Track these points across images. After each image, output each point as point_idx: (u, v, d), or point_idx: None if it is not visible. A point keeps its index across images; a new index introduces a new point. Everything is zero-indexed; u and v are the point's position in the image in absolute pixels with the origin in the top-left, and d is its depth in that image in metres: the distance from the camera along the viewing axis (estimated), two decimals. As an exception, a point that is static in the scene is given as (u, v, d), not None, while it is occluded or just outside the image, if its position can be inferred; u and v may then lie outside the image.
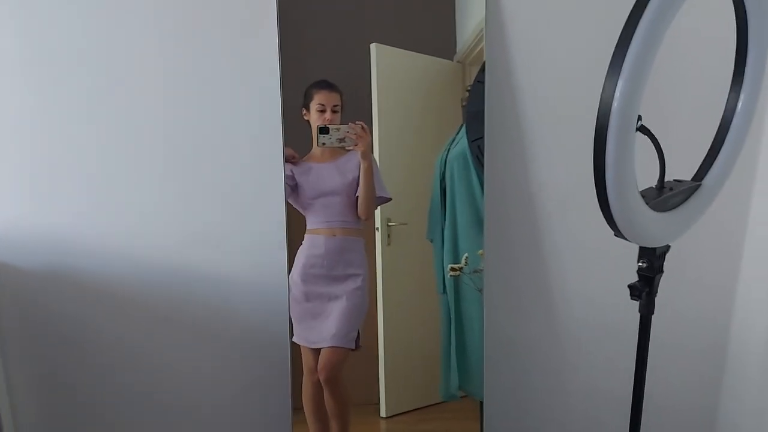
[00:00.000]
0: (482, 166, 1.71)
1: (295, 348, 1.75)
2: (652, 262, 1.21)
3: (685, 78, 1.68)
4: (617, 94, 0.97)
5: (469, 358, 1.83)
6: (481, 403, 1.81)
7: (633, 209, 1.06)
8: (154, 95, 1.70)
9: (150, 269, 1.78)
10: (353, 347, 1.75)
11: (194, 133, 1.72)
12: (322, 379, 1.74)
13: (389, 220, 1.78)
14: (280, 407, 1.83)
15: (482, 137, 1.71)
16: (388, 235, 1.78)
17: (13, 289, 1.79)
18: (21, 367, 1.84)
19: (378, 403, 1.87)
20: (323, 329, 1.73)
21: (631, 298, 1.26)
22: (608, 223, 1.07)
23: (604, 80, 0.97)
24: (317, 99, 1.68)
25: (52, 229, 1.75)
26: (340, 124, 1.67)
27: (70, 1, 1.65)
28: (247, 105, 1.70)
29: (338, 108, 1.69)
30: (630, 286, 1.24)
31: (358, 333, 1.76)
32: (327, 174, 1.72)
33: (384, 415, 1.86)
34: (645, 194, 1.14)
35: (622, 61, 0.96)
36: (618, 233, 1.09)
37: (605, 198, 1.02)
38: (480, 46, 1.68)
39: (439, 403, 1.89)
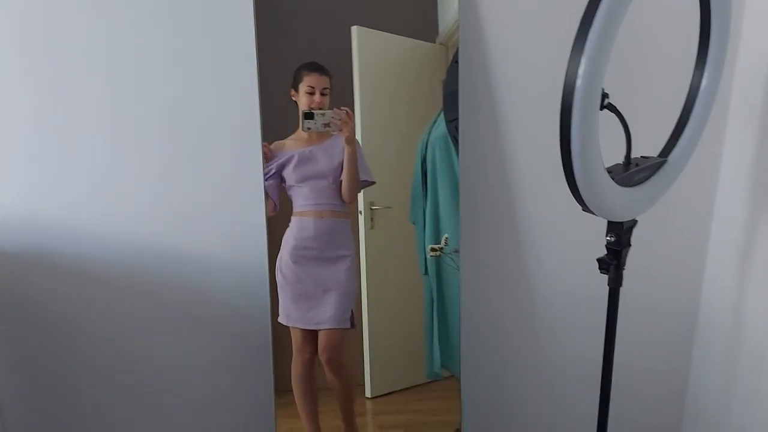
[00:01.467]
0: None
1: (278, 330, 1.76)
2: (619, 236, 1.24)
3: (651, 56, 1.71)
4: (580, 71, 1.00)
5: (450, 337, 1.85)
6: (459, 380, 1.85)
7: (599, 184, 1.09)
8: (131, 79, 1.69)
9: (129, 251, 1.78)
10: (348, 326, 1.77)
11: (171, 114, 1.72)
12: (324, 360, 1.76)
13: (372, 204, 1.79)
14: (262, 389, 1.86)
15: (458, 118, 1.73)
16: (372, 219, 1.79)
17: None
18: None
19: (363, 384, 1.88)
20: (320, 312, 1.75)
21: (600, 272, 1.29)
22: (575, 198, 1.10)
23: None
24: (307, 81, 1.69)
25: (32, 211, 1.74)
26: (328, 107, 1.68)
27: None
28: (224, 87, 1.70)
29: (327, 91, 1.69)
30: (599, 260, 1.27)
31: (352, 312, 1.78)
32: (315, 157, 1.73)
33: (369, 396, 1.88)
34: (611, 170, 1.17)
35: (585, 40, 0.99)
36: (585, 208, 1.12)
37: (571, 173, 1.05)
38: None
39: (424, 383, 1.90)
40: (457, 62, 1.72)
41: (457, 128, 1.74)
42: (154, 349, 1.87)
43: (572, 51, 1.01)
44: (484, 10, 1.70)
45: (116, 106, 1.71)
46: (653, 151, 1.33)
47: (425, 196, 1.81)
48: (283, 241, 1.74)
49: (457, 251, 1.80)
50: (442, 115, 1.76)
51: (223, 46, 1.69)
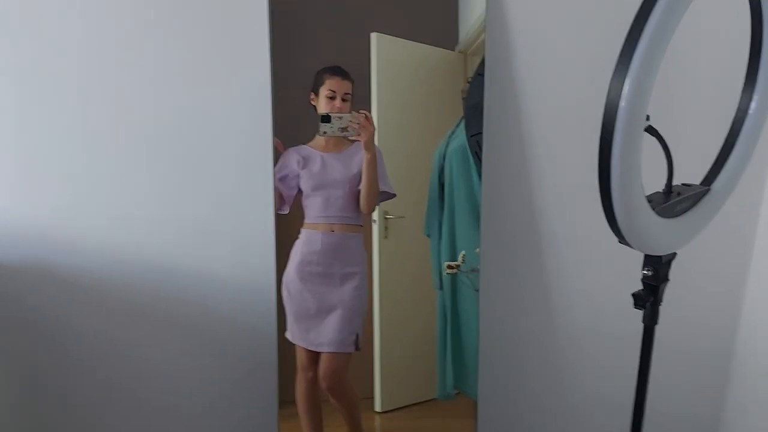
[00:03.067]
0: (480, 161, 1.68)
1: (284, 346, 1.72)
2: (657, 270, 1.16)
3: (695, 76, 1.64)
4: (625, 92, 0.91)
5: (465, 358, 1.80)
6: (476, 403, 1.79)
7: (639, 216, 1.01)
8: (140, 90, 1.66)
9: (134, 266, 1.75)
10: (352, 350, 1.71)
11: (181, 129, 1.68)
12: (325, 387, 1.71)
13: (386, 213, 1.74)
14: (266, 406, 1.80)
15: (481, 132, 1.66)
16: (386, 228, 1.75)
17: None
18: None
19: (372, 398, 1.84)
20: (321, 333, 1.69)
21: (635, 307, 1.20)
22: (612, 230, 1.02)
23: (609, 76, 0.92)
24: (328, 85, 1.63)
25: (33, 223, 1.71)
26: (349, 113, 1.62)
27: None
28: (235, 103, 1.66)
29: (348, 96, 1.64)
30: (634, 295, 1.19)
31: (357, 335, 1.72)
32: (330, 164, 1.67)
33: (379, 410, 1.83)
34: (651, 199, 1.09)
35: (630, 59, 0.90)
36: (622, 240, 1.04)
37: (610, 204, 0.97)
38: (482, 36, 1.64)
39: (434, 398, 1.86)
40: (480, 75, 1.65)
41: (479, 144, 1.67)
42: (157, 364, 1.83)
43: (616, 70, 0.92)
44: (512, 20, 1.64)
45: (122, 119, 1.67)
46: (692, 178, 1.24)
47: (441, 208, 1.75)
48: (291, 254, 1.68)
49: (474, 270, 1.73)
50: (460, 126, 1.71)
51: (236, 61, 1.64)
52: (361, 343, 1.72)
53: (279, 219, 1.68)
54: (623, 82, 0.91)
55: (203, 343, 1.82)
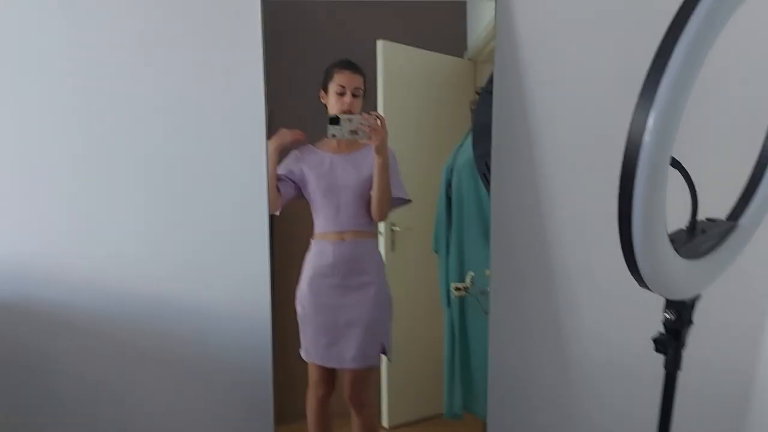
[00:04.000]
0: (488, 182, 1.64)
1: (279, 382, 1.67)
2: (680, 313, 1.08)
3: (719, 104, 1.57)
4: (649, 126, 0.83)
5: (473, 378, 1.76)
6: (485, 423, 1.76)
7: (662, 261, 0.93)
8: (133, 126, 1.63)
9: (124, 302, 1.72)
10: (377, 364, 1.66)
11: (174, 161, 1.65)
12: (346, 396, 1.67)
13: (393, 225, 1.69)
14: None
15: (489, 152, 1.62)
16: (392, 241, 1.69)
17: None
18: None
19: (380, 412, 1.79)
20: (343, 349, 1.64)
21: (656, 352, 1.12)
22: (633, 275, 0.94)
23: (625, 97, 0.88)
24: (337, 80, 1.56)
25: (20, 258, 1.69)
26: (360, 111, 1.57)
27: (51, 17, 1.58)
28: (229, 136, 1.63)
29: (359, 92, 1.57)
30: (654, 340, 1.11)
31: (383, 346, 1.67)
32: (340, 167, 1.61)
33: (386, 425, 1.78)
34: (674, 238, 1.01)
35: (656, 91, 0.82)
36: (643, 285, 0.96)
37: (631, 251, 0.89)
38: (492, 44, 1.60)
39: (441, 414, 1.81)
40: (489, 92, 1.59)
41: (487, 164, 1.62)
42: (149, 402, 1.79)
43: (640, 99, 0.84)
44: (522, 36, 1.59)
45: (114, 153, 1.64)
46: (715, 212, 1.16)
47: (449, 224, 1.69)
48: (303, 268, 1.63)
49: (483, 293, 1.68)
50: (468, 139, 1.66)
51: (229, 91, 1.61)
52: (389, 352, 1.67)
53: (279, 240, 1.63)
54: (647, 115, 0.83)
55: (196, 380, 1.78)
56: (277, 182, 1.61)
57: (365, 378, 1.68)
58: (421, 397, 1.82)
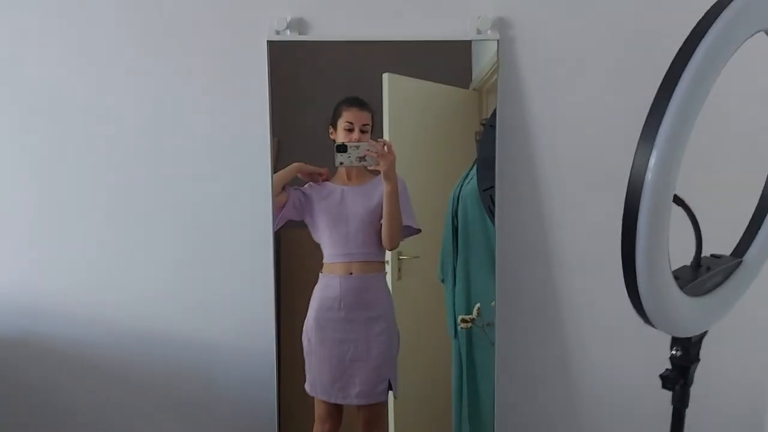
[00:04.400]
0: (494, 216, 1.63)
1: (285, 413, 1.66)
2: (687, 349, 1.07)
3: (722, 140, 1.58)
4: (651, 165, 0.83)
5: (481, 410, 1.74)
6: None
7: (666, 298, 0.93)
8: (135, 159, 1.65)
9: (128, 337, 1.72)
10: (385, 399, 1.64)
11: (179, 195, 1.66)
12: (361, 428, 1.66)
13: (400, 254, 1.68)
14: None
15: (494, 187, 1.62)
16: (399, 269, 1.69)
17: None
18: None
19: None
20: (348, 384, 1.63)
21: (663, 388, 1.11)
22: (637, 313, 0.93)
23: (630, 134, 0.86)
24: (346, 116, 1.58)
25: (24, 295, 1.69)
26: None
27: (57, 56, 1.61)
28: (235, 172, 1.64)
29: (367, 128, 1.59)
30: (662, 377, 1.10)
31: (389, 382, 1.65)
32: (350, 197, 1.62)
33: None
34: (678, 275, 1.00)
35: (657, 130, 0.83)
36: (648, 322, 0.95)
37: (635, 287, 0.88)
38: (497, 75, 1.61)
39: None
40: (492, 126, 1.59)
41: (492, 198, 1.62)
42: None
43: (642, 137, 0.84)
44: (524, 74, 1.60)
45: (118, 187, 1.66)
46: (720, 248, 1.15)
47: (455, 253, 1.69)
48: (310, 301, 1.63)
49: (489, 324, 1.67)
50: (474, 168, 1.66)
51: (236, 127, 1.63)
52: (396, 388, 1.66)
53: (285, 274, 1.64)
54: (649, 155, 0.83)
55: (201, 415, 1.77)
56: (284, 198, 1.62)
57: (378, 414, 1.67)
58: (429, 429, 1.81)
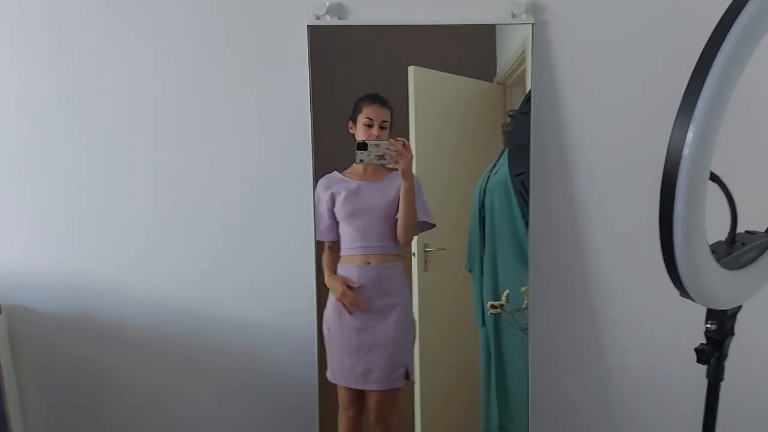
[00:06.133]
0: (526, 202, 1.65)
1: (326, 390, 1.70)
2: (722, 323, 1.09)
3: (756, 117, 1.59)
4: (688, 141, 0.86)
5: (510, 397, 1.76)
6: None
7: (703, 270, 0.95)
8: (183, 143, 1.68)
9: (171, 313, 1.76)
10: (401, 385, 1.68)
11: (223, 181, 1.70)
12: (372, 418, 1.69)
13: (426, 246, 1.71)
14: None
15: (525, 172, 1.64)
16: (425, 261, 1.71)
17: (31, 332, 1.78)
18: (40, 412, 1.82)
19: None
20: (365, 371, 1.66)
21: (698, 362, 1.14)
22: (674, 284, 0.96)
23: (661, 116, 0.88)
24: (366, 113, 1.61)
25: (72, 272, 1.74)
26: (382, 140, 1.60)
27: (82, 42, 1.64)
28: (278, 154, 1.67)
29: (386, 124, 1.62)
30: (697, 350, 1.12)
31: (406, 368, 1.69)
32: (367, 192, 1.65)
33: None
34: (714, 250, 1.03)
35: (694, 104, 0.85)
36: (684, 294, 0.98)
37: (672, 258, 0.91)
38: (522, 68, 1.62)
39: None
40: (524, 113, 1.62)
41: (523, 183, 1.64)
42: (198, 416, 1.83)
43: (679, 114, 0.87)
44: (558, 60, 1.61)
45: (168, 171, 1.69)
46: (758, 225, 1.17)
47: (483, 244, 1.71)
48: (329, 292, 1.67)
49: (518, 310, 1.69)
50: (501, 160, 1.68)
51: (278, 110, 1.65)
52: (411, 374, 1.69)
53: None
54: (687, 130, 0.86)
55: (245, 395, 1.82)
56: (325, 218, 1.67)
57: (390, 399, 1.70)
58: (454, 419, 1.83)
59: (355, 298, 1.64)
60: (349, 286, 1.65)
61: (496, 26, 1.63)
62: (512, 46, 1.63)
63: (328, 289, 1.68)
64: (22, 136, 1.67)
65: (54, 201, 1.70)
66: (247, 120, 1.66)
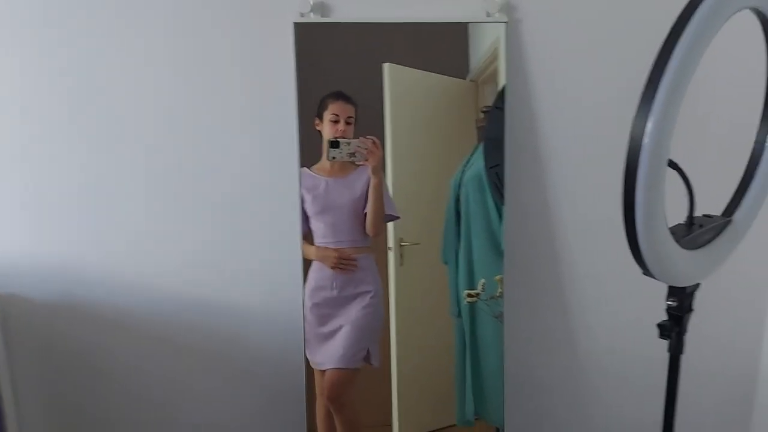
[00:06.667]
0: (500, 194, 1.69)
1: (311, 373, 1.74)
2: (681, 300, 1.17)
3: (713, 109, 1.66)
4: (648, 130, 0.93)
5: (484, 384, 1.80)
6: (497, 429, 1.79)
7: (663, 249, 1.02)
8: (163, 124, 1.70)
9: (161, 299, 1.78)
10: (358, 366, 1.72)
11: (211, 169, 1.73)
12: (325, 398, 1.73)
13: (402, 240, 1.74)
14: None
15: (500, 164, 1.68)
16: (401, 255, 1.75)
17: (24, 320, 1.79)
18: (33, 397, 1.84)
19: (391, 425, 1.82)
20: (330, 351, 1.71)
21: (660, 337, 1.21)
22: (637, 262, 1.04)
23: (630, 112, 0.94)
24: (332, 109, 1.65)
25: (63, 260, 1.75)
26: (353, 136, 1.65)
27: (89, 36, 1.66)
28: (264, 142, 1.71)
29: (352, 120, 1.66)
30: (659, 326, 1.20)
31: (368, 351, 1.73)
32: (335, 189, 1.70)
33: None
34: (674, 231, 1.10)
35: (653, 97, 0.93)
36: (647, 272, 1.06)
37: (635, 237, 0.98)
38: (494, 65, 1.66)
39: (453, 425, 1.85)
40: (498, 108, 1.67)
41: (498, 175, 1.69)
42: (187, 395, 1.86)
43: (639, 106, 0.94)
44: (530, 55, 1.67)
45: (158, 163, 1.72)
46: (713, 209, 1.25)
47: (458, 236, 1.75)
48: (306, 282, 1.71)
49: (493, 297, 1.73)
50: (475, 154, 1.72)
51: (265, 109, 1.69)
52: (374, 358, 1.74)
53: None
54: (646, 121, 0.93)
55: (234, 378, 1.85)
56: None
57: (344, 379, 1.73)
58: (432, 409, 1.86)
59: (344, 258, 1.69)
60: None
61: (469, 25, 1.67)
62: (485, 44, 1.67)
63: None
64: (17, 127, 1.69)
65: (46, 190, 1.72)
66: (235, 114, 1.69)
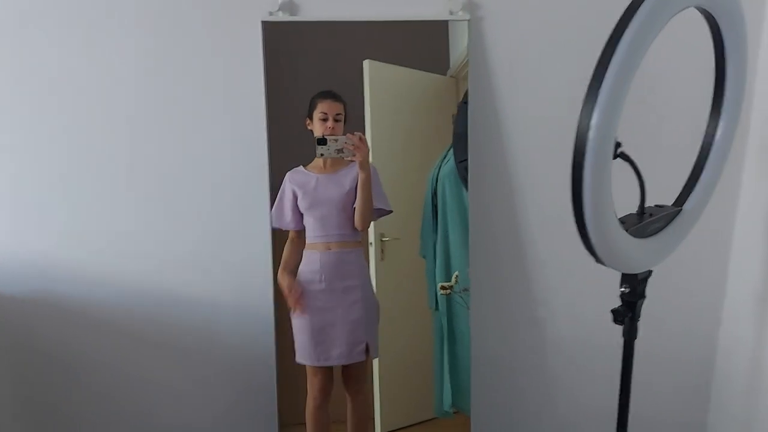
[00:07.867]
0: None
1: (285, 367, 1.76)
2: (634, 287, 1.21)
3: (664, 103, 1.70)
4: (593, 123, 0.97)
5: (461, 376, 1.83)
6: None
7: (612, 237, 1.06)
8: (136, 121, 1.72)
9: (134, 293, 1.80)
10: (363, 359, 1.75)
11: (177, 156, 1.74)
12: (346, 387, 1.78)
13: (383, 236, 1.78)
14: (267, 424, 1.84)
15: (467, 159, 1.72)
16: (382, 251, 1.78)
17: None
18: (8, 391, 1.85)
19: (373, 419, 1.85)
20: (329, 347, 1.73)
21: (614, 322, 1.26)
22: (588, 250, 1.07)
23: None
24: (320, 108, 1.69)
25: (36, 256, 1.77)
26: (342, 133, 1.67)
27: (62, 35, 1.68)
28: (235, 142, 1.73)
29: (341, 117, 1.69)
30: (613, 311, 1.24)
31: (366, 344, 1.75)
32: (324, 185, 1.73)
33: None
34: (625, 221, 1.14)
35: (597, 92, 0.97)
36: (598, 260, 1.09)
37: (583, 226, 1.02)
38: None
39: (433, 418, 1.88)
40: (465, 103, 1.71)
41: (466, 169, 1.72)
42: (159, 389, 1.88)
43: (585, 101, 0.98)
44: (493, 52, 1.70)
45: (123, 150, 1.74)
46: (667, 200, 1.30)
47: (435, 230, 1.79)
48: (297, 276, 1.74)
49: (466, 290, 1.77)
50: (452, 150, 1.76)
51: (234, 106, 1.71)
52: (372, 350, 1.77)
53: (278, 242, 1.74)
54: (591, 114, 0.97)
55: (203, 368, 1.87)
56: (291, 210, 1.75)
57: (357, 371, 1.78)
58: (412, 403, 1.89)
59: (298, 299, 1.72)
60: (295, 288, 1.73)
61: (449, 22, 1.69)
62: (464, 41, 1.69)
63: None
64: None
65: (22, 186, 1.73)
66: (206, 112, 1.71)
